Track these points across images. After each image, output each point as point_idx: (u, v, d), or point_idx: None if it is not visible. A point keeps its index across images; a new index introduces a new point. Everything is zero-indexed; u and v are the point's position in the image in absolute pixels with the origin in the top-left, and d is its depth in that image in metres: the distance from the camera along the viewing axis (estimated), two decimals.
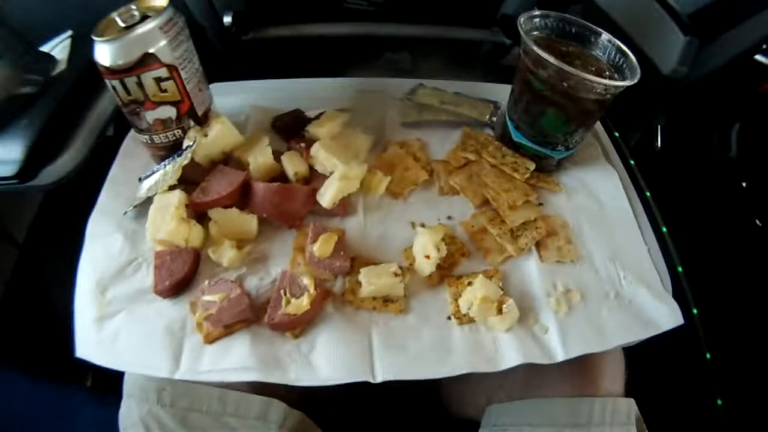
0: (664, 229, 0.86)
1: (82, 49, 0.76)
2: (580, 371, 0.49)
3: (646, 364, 0.53)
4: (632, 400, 0.48)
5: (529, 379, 0.51)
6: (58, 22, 0.82)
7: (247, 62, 0.78)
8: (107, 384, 0.45)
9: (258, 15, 0.72)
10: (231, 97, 0.64)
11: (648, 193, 0.86)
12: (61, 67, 0.73)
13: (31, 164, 0.63)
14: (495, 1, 0.73)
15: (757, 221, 0.98)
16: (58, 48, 0.76)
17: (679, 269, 0.85)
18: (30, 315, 0.81)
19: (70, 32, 0.77)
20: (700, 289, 0.84)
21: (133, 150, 0.61)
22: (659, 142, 1.00)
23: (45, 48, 0.76)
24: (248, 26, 0.71)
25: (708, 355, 0.82)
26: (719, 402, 0.79)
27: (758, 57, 1.00)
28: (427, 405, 0.63)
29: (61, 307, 0.51)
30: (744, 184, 1.01)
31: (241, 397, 0.45)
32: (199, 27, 0.75)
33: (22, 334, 0.77)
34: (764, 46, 0.95)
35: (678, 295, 0.52)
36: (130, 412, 0.45)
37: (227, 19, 0.70)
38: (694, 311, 0.83)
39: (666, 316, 0.49)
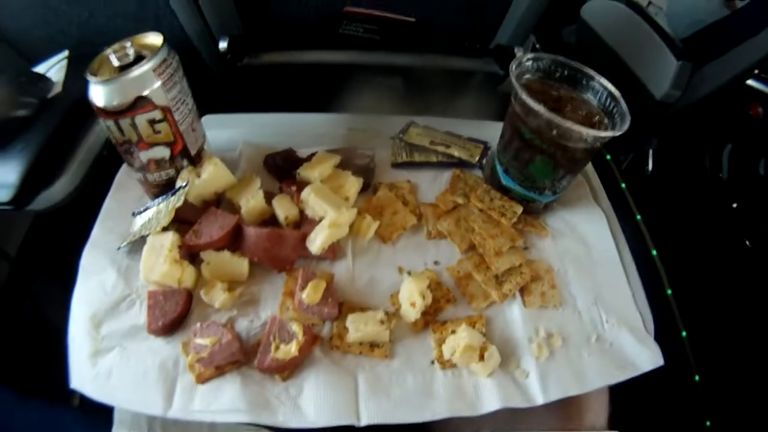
0: (654, 252, 0.87)
1: (78, 70, 0.76)
2: (565, 405, 0.50)
3: (634, 387, 0.54)
4: None
5: (515, 412, 0.52)
6: (57, 39, 0.82)
7: (243, 87, 0.78)
8: (96, 403, 0.47)
9: (254, 41, 0.72)
10: (223, 130, 0.64)
11: (639, 216, 0.87)
12: (57, 89, 0.72)
13: (26, 189, 0.63)
14: (488, 32, 0.73)
15: (747, 242, 0.99)
16: (54, 69, 0.76)
17: (669, 292, 0.87)
18: (20, 329, 0.82)
19: (66, 53, 0.77)
20: (689, 311, 0.86)
21: (126, 182, 0.62)
22: (650, 165, 1.01)
23: (40, 68, 0.76)
24: (243, 52, 0.71)
25: (697, 377, 0.83)
26: (708, 423, 0.80)
27: (749, 81, 1.01)
28: None
29: (52, 322, 0.52)
30: (735, 205, 1.01)
31: (231, 428, 0.47)
32: (197, 50, 0.75)
33: (12, 348, 0.79)
34: (755, 71, 0.95)
35: (667, 317, 0.53)
36: None
37: (223, 45, 0.70)
38: (683, 333, 0.85)
39: (646, 358, 0.51)
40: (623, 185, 0.87)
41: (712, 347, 0.86)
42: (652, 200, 0.91)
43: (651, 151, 1.00)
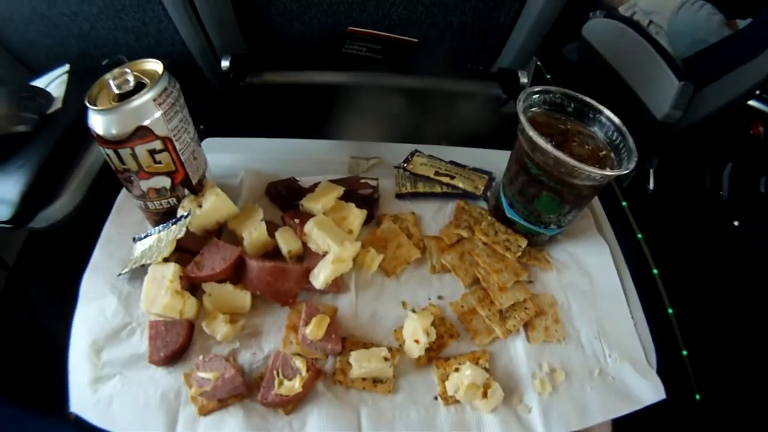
0: (655, 271, 0.87)
1: (78, 85, 0.75)
2: None
3: (636, 416, 0.54)
4: None
5: None
6: (56, 49, 0.81)
7: (245, 105, 0.78)
8: None
9: (256, 60, 0.71)
10: (225, 154, 0.64)
11: (640, 235, 0.87)
12: (57, 104, 0.71)
13: (26, 208, 0.62)
14: (491, 55, 0.73)
15: (749, 261, 1.00)
16: (55, 83, 0.75)
17: (670, 311, 0.87)
18: (17, 338, 0.82)
19: (67, 67, 0.76)
20: (690, 330, 0.86)
21: (126, 206, 0.61)
22: (652, 184, 1.01)
23: (41, 82, 0.75)
24: (245, 71, 0.70)
25: (698, 396, 0.84)
26: None
27: (750, 101, 1.01)
28: None
29: (48, 331, 0.52)
30: (736, 224, 1.02)
31: None
32: (198, 67, 0.74)
33: (8, 357, 0.78)
34: (756, 92, 0.95)
35: (668, 337, 0.53)
36: None
37: (225, 63, 0.69)
38: (684, 352, 0.85)
39: (649, 391, 0.51)
40: (624, 204, 0.88)
41: (712, 365, 0.87)
42: (654, 219, 0.92)
43: (652, 170, 1.01)
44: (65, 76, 0.75)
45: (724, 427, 0.83)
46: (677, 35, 1.09)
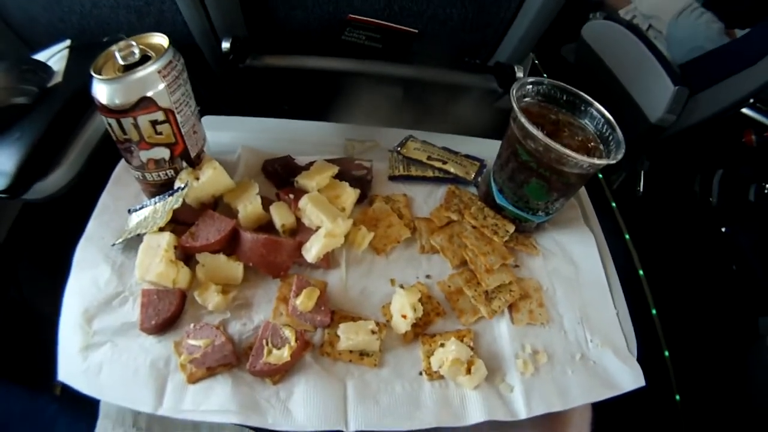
0: (641, 272, 0.89)
1: (79, 60, 0.75)
2: (549, 420, 0.52)
3: (616, 405, 0.56)
4: None
5: (500, 424, 0.53)
6: (57, 25, 0.82)
7: (244, 87, 0.78)
8: (79, 394, 0.47)
9: (257, 43, 0.72)
10: (224, 132, 0.65)
11: (627, 236, 0.89)
12: (57, 78, 0.72)
13: (22, 179, 0.63)
14: (489, 48, 0.74)
15: (734, 267, 1.02)
16: (55, 58, 0.75)
17: (653, 312, 0.88)
18: (5, 317, 0.82)
19: (68, 42, 0.77)
20: (673, 332, 0.87)
21: (123, 178, 0.62)
22: (642, 187, 1.03)
23: (41, 56, 0.76)
24: (245, 53, 0.71)
25: (677, 397, 0.85)
26: None
27: (744, 109, 1.03)
28: None
29: (37, 310, 0.52)
30: (723, 230, 1.04)
31: (215, 426, 0.48)
32: (198, 48, 0.75)
33: None
34: (750, 101, 0.97)
35: (651, 337, 0.54)
36: None
37: (225, 45, 0.70)
38: (666, 353, 0.87)
39: (628, 378, 0.53)
40: (614, 204, 0.89)
41: (694, 367, 0.88)
42: (642, 221, 0.93)
43: (643, 173, 1.02)
44: (66, 51, 0.76)
45: (702, 427, 0.84)
46: (676, 41, 1.11)
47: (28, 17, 0.81)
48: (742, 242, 1.01)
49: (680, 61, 1.00)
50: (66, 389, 0.46)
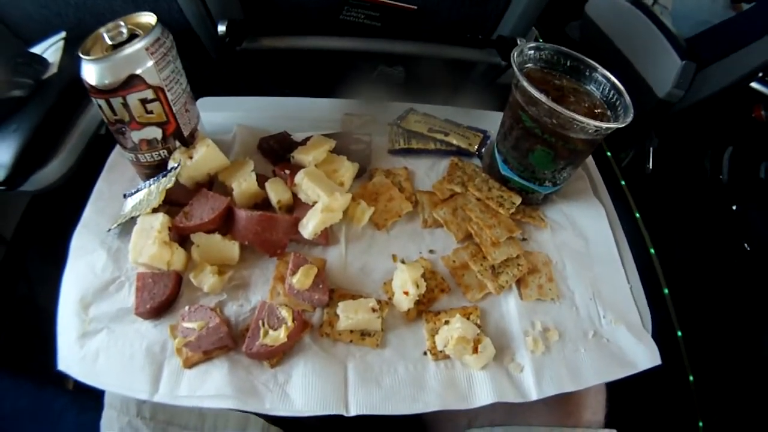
0: (652, 251, 0.86)
1: (74, 52, 0.75)
2: (563, 401, 0.49)
3: (630, 385, 0.53)
4: (614, 431, 0.48)
5: (512, 405, 0.51)
6: (53, 20, 0.81)
7: (241, 71, 0.77)
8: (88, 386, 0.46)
9: (253, 25, 0.71)
10: (218, 113, 0.63)
11: (637, 214, 0.86)
12: (52, 70, 0.72)
13: (19, 170, 0.63)
14: (491, 22, 0.72)
15: (746, 245, 0.99)
16: (50, 50, 0.75)
17: (665, 291, 0.86)
18: (14, 311, 0.82)
19: (63, 34, 0.76)
20: (685, 312, 0.85)
21: (118, 164, 0.61)
22: (651, 164, 1.00)
23: (37, 49, 0.75)
24: (242, 36, 0.70)
25: (691, 377, 0.83)
26: (700, 424, 0.80)
27: (752, 84, 1.00)
28: (406, 423, 0.64)
29: (46, 304, 0.51)
30: (734, 208, 1.01)
31: (220, 412, 0.46)
32: (195, 34, 0.74)
33: (6, 330, 0.78)
34: (759, 74, 0.94)
35: (663, 317, 0.52)
36: (110, 422, 0.46)
37: (221, 28, 0.69)
38: (679, 333, 0.84)
39: (643, 356, 0.50)
40: (623, 183, 0.87)
41: (707, 347, 0.86)
42: (652, 199, 0.91)
43: (652, 150, 1.00)
44: (61, 43, 0.76)
45: (716, 408, 0.82)
46: (681, 16, 1.08)
47: (24, 14, 0.81)
48: (754, 219, 0.98)
49: (686, 36, 0.98)
50: (78, 384, 0.45)
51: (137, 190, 0.56)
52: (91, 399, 0.50)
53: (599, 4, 0.99)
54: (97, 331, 0.48)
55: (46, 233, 0.85)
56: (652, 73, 0.90)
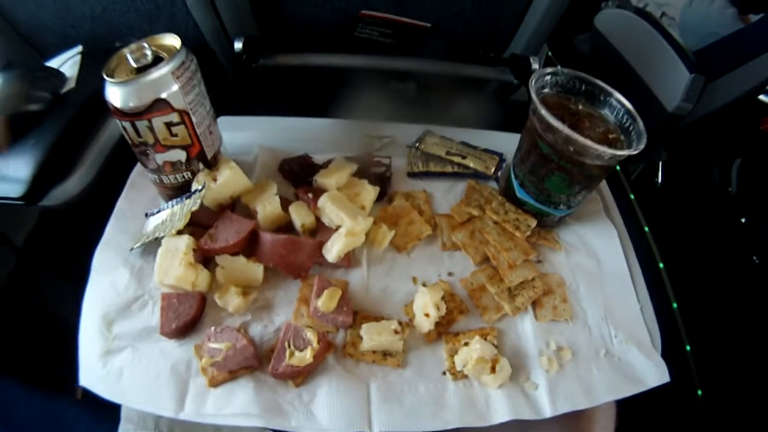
0: (661, 265, 0.87)
1: (91, 65, 0.76)
2: (574, 416, 0.51)
3: (640, 401, 0.54)
4: None
5: (524, 422, 0.53)
6: (69, 31, 0.82)
7: (258, 88, 0.78)
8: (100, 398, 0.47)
9: (269, 42, 0.72)
10: (240, 132, 0.64)
11: (646, 228, 0.87)
12: (70, 84, 0.72)
13: (38, 186, 0.63)
14: (503, 40, 0.73)
15: (755, 258, 0.99)
16: (68, 64, 0.76)
17: (674, 305, 0.87)
18: (26, 321, 0.82)
19: (79, 48, 0.77)
20: (694, 325, 0.86)
21: (139, 182, 0.62)
22: (660, 177, 1.01)
23: (54, 63, 0.76)
24: (258, 53, 0.71)
25: (699, 392, 0.84)
26: None
27: (761, 96, 1.01)
28: None
29: (57, 314, 0.52)
30: (743, 221, 1.02)
31: (235, 429, 0.47)
32: (212, 51, 0.75)
33: (17, 340, 0.79)
34: None
35: (672, 332, 0.53)
36: None
37: (238, 45, 0.69)
38: (687, 348, 0.85)
39: (653, 374, 0.52)
40: (632, 196, 0.87)
41: (716, 362, 0.86)
42: (661, 212, 0.91)
43: (661, 163, 1.01)
44: (78, 57, 0.76)
45: (725, 423, 0.83)
46: (690, 28, 1.09)
47: (38, 24, 0.81)
48: (763, 232, 0.99)
49: (694, 48, 0.98)
50: (88, 395, 0.46)
51: (159, 210, 0.57)
52: (102, 411, 0.51)
53: (608, 17, 0.99)
54: (121, 349, 0.49)
55: (58, 244, 0.85)
56: (662, 86, 0.91)
